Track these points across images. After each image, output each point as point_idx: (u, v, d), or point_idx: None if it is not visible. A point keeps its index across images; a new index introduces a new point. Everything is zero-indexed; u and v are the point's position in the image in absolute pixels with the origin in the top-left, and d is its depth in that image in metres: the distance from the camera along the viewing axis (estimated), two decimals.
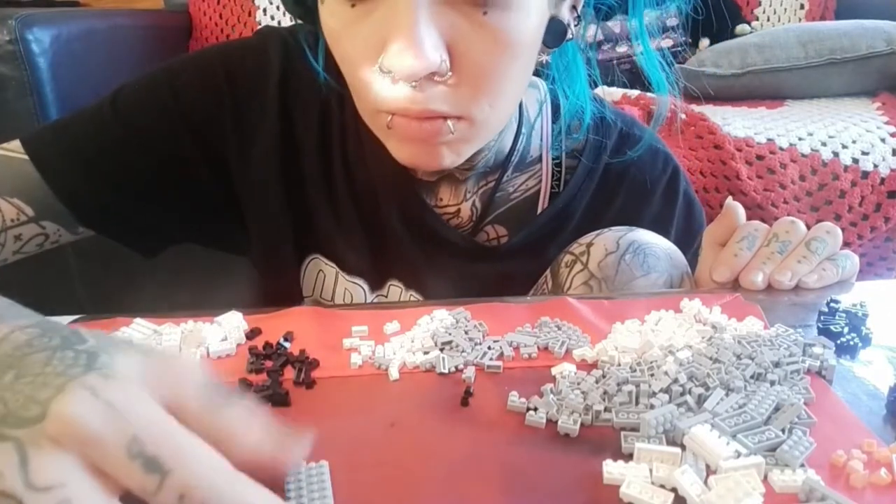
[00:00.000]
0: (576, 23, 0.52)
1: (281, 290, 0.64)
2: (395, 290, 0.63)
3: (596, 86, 0.61)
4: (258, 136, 0.59)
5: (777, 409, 0.34)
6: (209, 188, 0.60)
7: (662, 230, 0.59)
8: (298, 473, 0.31)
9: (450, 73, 0.42)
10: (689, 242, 0.64)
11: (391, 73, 0.42)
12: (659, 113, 0.61)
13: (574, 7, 0.51)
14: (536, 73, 0.59)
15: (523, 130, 0.59)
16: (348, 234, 0.61)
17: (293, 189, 0.60)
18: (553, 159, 0.62)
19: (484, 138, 0.51)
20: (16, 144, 0.55)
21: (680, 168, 0.67)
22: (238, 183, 0.60)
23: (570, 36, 0.51)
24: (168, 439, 0.25)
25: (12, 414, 0.24)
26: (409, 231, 0.60)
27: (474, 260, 0.62)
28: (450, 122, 0.45)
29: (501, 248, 0.62)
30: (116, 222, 0.59)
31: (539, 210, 0.63)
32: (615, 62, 1.36)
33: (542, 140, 0.61)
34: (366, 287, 0.62)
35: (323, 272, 0.63)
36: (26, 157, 0.54)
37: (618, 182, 0.64)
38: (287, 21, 1.67)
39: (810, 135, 1.20)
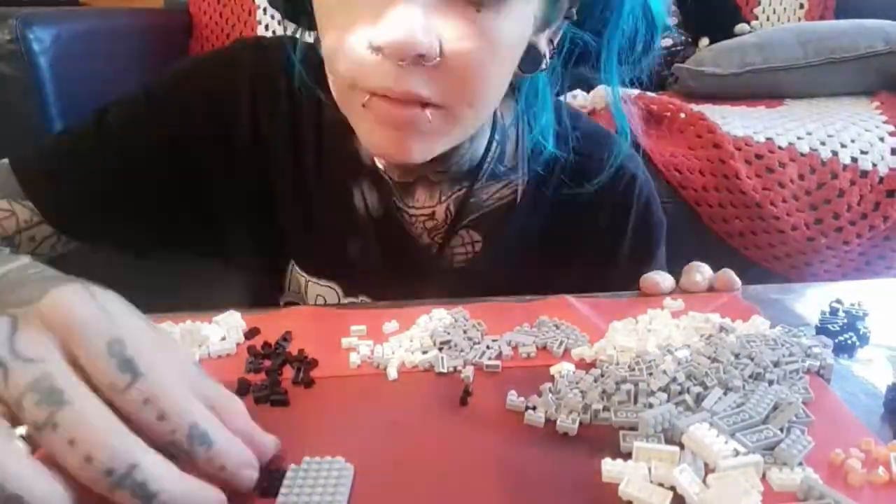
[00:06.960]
0: (551, 55, 0.53)
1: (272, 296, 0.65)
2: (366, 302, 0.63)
3: (561, 124, 0.61)
4: (234, 149, 0.60)
5: (775, 407, 0.34)
6: (193, 203, 0.61)
7: (611, 242, 0.62)
8: (323, 465, 0.31)
9: (437, 59, 0.42)
10: (642, 258, 0.64)
11: (381, 49, 0.41)
12: (619, 152, 0.61)
13: (551, 41, 0.53)
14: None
15: (496, 137, 0.59)
16: (318, 238, 0.61)
17: (266, 198, 0.61)
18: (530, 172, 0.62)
19: (457, 137, 0.50)
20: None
21: (641, 182, 0.65)
22: (218, 194, 0.61)
23: (544, 66, 0.53)
24: (147, 351, 0.27)
25: (22, 299, 0.28)
26: (378, 233, 0.60)
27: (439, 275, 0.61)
28: (428, 112, 0.45)
29: (469, 266, 0.62)
30: (106, 236, 0.60)
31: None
32: None
33: (517, 152, 0.61)
34: (339, 291, 0.63)
35: (297, 280, 0.63)
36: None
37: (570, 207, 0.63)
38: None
39: (809, 134, 1.20)
